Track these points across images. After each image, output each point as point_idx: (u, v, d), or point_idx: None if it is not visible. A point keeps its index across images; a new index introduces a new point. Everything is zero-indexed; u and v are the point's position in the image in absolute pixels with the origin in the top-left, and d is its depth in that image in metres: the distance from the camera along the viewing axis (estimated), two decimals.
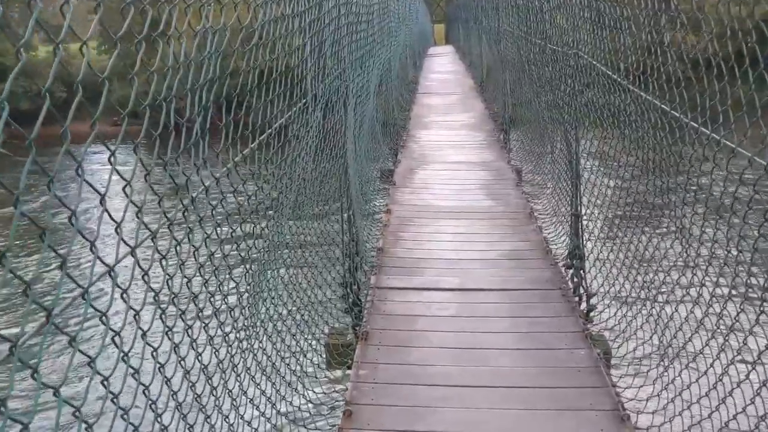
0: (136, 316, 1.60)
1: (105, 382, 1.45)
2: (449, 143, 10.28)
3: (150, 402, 1.73)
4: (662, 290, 3.90)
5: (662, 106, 3.13)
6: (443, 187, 7.85)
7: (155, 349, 1.73)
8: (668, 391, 3.38)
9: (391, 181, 8.19)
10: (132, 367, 1.59)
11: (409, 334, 4.42)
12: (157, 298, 1.74)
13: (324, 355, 4.60)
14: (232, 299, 2.66)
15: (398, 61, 12.47)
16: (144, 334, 1.66)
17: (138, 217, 1.66)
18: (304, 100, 3.43)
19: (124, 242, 1.56)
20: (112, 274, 1.48)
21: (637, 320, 3.99)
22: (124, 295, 1.54)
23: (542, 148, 7.89)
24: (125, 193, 1.58)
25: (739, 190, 2.52)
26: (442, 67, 22.44)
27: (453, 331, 4.44)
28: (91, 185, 1.55)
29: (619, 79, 3.69)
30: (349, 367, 4.34)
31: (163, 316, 1.78)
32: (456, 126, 11.69)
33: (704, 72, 2.51)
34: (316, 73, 3.87)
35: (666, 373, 3.43)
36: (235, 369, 2.57)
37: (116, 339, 1.49)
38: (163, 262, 1.83)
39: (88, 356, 1.38)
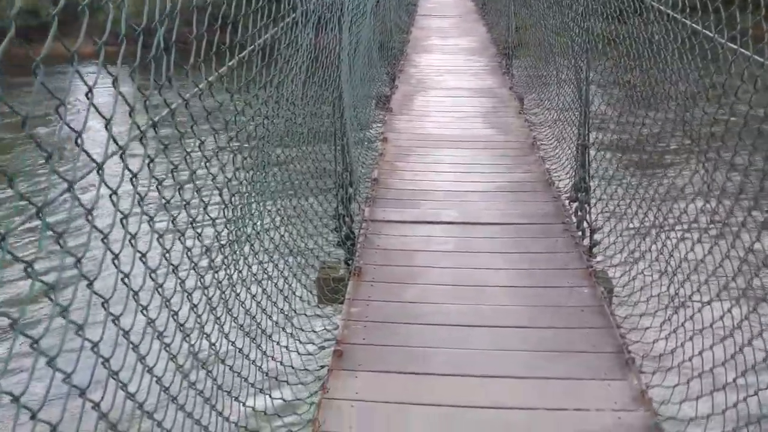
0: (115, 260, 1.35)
1: (80, 332, 1.23)
2: (449, 68, 9.84)
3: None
4: (675, 226, 3.68)
5: (692, 24, 2.80)
6: (443, 115, 7.51)
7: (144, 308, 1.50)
8: (677, 334, 3.20)
9: (387, 107, 7.84)
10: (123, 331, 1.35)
11: (404, 269, 4.21)
12: (133, 242, 1.50)
13: (314, 291, 4.42)
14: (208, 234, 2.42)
15: None
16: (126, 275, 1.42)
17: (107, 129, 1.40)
18: (293, 15, 3.09)
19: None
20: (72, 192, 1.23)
21: (645, 258, 3.78)
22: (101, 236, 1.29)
23: (547, 74, 7.52)
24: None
25: None
26: None
27: (451, 267, 4.23)
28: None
29: None
30: (341, 303, 4.16)
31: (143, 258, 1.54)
32: (456, 50, 11.20)
33: None
34: None
35: (676, 315, 3.24)
36: (213, 311, 2.35)
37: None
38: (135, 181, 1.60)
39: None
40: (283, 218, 3.58)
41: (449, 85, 8.89)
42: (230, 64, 2.30)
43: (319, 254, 4.34)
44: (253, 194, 3.07)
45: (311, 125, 4.19)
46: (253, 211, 3.01)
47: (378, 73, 8.63)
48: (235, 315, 2.62)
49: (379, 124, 7.21)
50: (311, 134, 4.25)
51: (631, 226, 4.17)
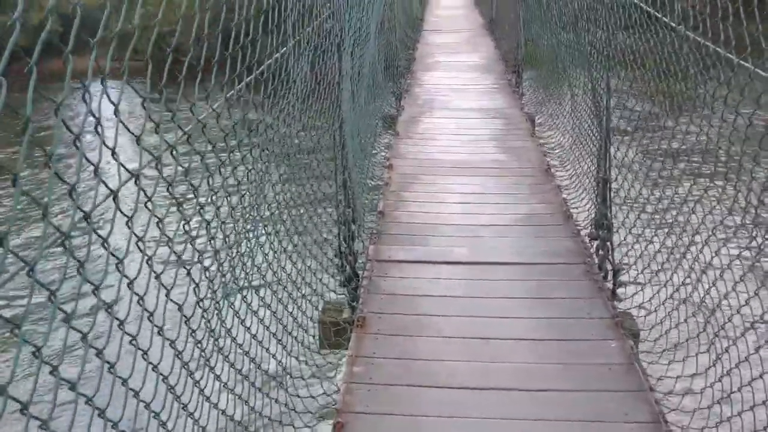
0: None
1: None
2: (457, 87, 9.50)
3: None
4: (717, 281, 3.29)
5: (740, 61, 2.44)
6: (451, 138, 7.16)
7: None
8: (722, 405, 2.82)
9: (393, 130, 7.51)
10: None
11: (412, 319, 3.84)
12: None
13: (312, 347, 4.08)
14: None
15: None
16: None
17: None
18: (283, 50, 2.75)
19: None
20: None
21: (679, 310, 3.40)
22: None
23: (560, 94, 7.17)
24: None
25: None
26: (450, 1, 21.24)
27: (463, 315, 3.86)
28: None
29: (672, 24, 2.96)
30: (345, 349, 3.81)
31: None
32: (464, 67, 10.87)
33: None
34: (300, 14, 3.17)
35: (720, 383, 2.86)
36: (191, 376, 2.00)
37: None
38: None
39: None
40: (275, 271, 3.22)
41: (457, 105, 8.55)
42: (201, 117, 1.96)
43: (318, 302, 3.98)
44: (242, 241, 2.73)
45: (309, 162, 3.85)
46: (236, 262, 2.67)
47: (383, 94, 8.30)
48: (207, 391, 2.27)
49: (385, 150, 6.87)
50: (310, 171, 3.91)
51: (660, 263, 3.80)
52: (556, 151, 6.65)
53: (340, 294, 4.29)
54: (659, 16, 3.10)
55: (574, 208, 5.26)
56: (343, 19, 4.22)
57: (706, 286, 3.08)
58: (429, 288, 4.19)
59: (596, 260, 4.41)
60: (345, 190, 4.28)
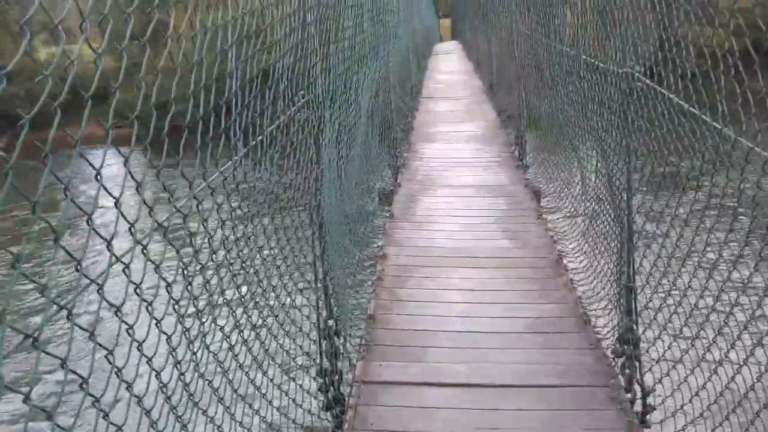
0: None
1: None
2: (458, 160, 8.98)
3: None
4: None
5: None
6: (451, 221, 6.56)
7: None
8: None
9: (388, 208, 6.94)
10: None
11: None
12: None
13: None
14: None
15: (399, 63, 11.15)
16: None
17: None
18: (228, 163, 2.18)
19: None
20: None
21: None
22: None
23: (569, 173, 6.60)
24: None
25: None
26: (449, 66, 21.08)
27: None
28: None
29: (716, 125, 2.39)
30: None
31: None
32: (465, 138, 10.38)
33: None
34: (259, 113, 2.62)
35: None
36: None
37: None
38: None
39: None
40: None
41: (458, 181, 8.00)
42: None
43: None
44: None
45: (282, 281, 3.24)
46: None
47: (378, 170, 7.75)
48: None
49: (378, 237, 6.28)
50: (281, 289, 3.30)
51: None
52: (568, 239, 6.02)
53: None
54: (698, 113, 2.52)
55: (591, 310, 4.61)
56: (322, 107, 3.69)
57: None
58: (425, 421, 3.51)
59: (622, 381, 3.75)
60: (327, 298, 3.67)
